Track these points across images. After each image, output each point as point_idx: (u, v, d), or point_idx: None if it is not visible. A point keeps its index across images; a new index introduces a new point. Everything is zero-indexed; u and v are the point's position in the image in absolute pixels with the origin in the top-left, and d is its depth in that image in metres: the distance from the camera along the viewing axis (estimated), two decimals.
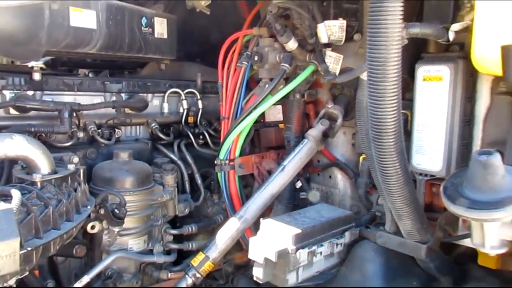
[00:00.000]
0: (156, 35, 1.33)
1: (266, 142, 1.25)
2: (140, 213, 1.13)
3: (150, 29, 1.30)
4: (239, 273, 1.31)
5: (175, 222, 1.31)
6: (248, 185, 1.29)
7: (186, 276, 0.98)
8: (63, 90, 1.19)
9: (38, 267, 1.09)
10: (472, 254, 0.97)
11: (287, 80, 1.12)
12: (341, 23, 1.03)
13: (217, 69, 1.24)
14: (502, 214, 0.65)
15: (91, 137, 1.23)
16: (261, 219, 0.93)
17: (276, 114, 1.24)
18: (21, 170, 0.89)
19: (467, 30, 0.81)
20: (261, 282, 0.88)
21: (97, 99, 1.24)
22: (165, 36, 1.37)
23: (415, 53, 0.95)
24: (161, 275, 1.16)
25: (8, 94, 1.09)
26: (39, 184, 0.83)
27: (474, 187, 0.68)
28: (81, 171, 1.00)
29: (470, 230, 0.76)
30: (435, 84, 0.89)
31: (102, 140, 1.22)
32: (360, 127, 0.95)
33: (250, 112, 1.08)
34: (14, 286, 0.87)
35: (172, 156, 1.32)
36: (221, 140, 1.16)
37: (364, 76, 0.92)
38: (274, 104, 1.22)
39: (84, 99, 1.22)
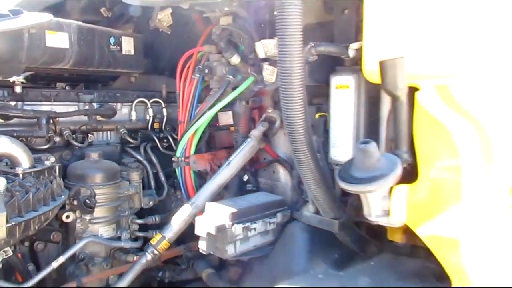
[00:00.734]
0: (123, 52, 1.53)
1: (219, 143, 1.46)
2: (108, 204, 1.32)
3: (118, 47, 1.50)
4: (198, 258, 1.50)
5: (142, 214, 1.50)
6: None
7: (146, 253, 1.16)
8: (41, 100, 1.38)
9: (21, 253, 1.27)
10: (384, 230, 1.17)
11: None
12: (276, 41, 1.25)
13: (176, 80, 1.45)
14: (374, 187, 0.85)
15: (66, 141, 1.42)
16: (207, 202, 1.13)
17: (227, 119, 1.45)
18: (5, 166, 1.08)
19: None
20: (205, 253, 1.07)
21: (72, 108, 1.44)
22: (132, 53, 1.57)
23: (333, 66, 1.17)
24: (128, 258, 1.34)
25: None
26: (21, 175, 1.01)
27: (357, 168, 0.89)
28: (57, 167, 1.19)
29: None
30: (344, 91, 1.10)
31: (76, 144, 1.41)
32: None
33: (201, 116, 1.28)
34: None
35: (138, 157, 1.52)
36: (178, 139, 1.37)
37: None
38: (225, 110, 1.43)
39: (60, 108, 1.41)
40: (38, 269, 1.28)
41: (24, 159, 1.05)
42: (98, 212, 1.29)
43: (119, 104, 1.55)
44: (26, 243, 1.27)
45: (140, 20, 1.68)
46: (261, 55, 1.24)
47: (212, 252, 1.07)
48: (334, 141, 1.13)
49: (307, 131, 0.95)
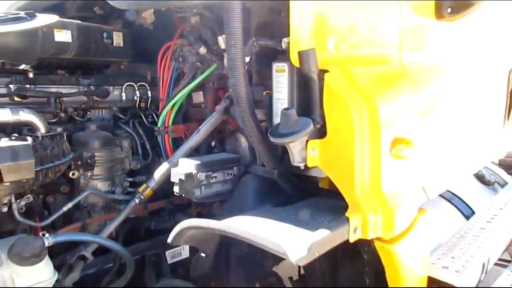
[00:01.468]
0: (114, 44, 1.87)
1: (193, 117, 1.81)
2: (105, 165, 1.68)
3: (110, 40, 1.84)
4: (177, 210, 1.87)
5: (133, 175, 1.86)
6: None
7: (135, 198, 1.53)
8: (49, 84, 1.72)
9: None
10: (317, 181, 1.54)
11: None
12: None
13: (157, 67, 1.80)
14: (291, 139, 1.21)
15: (70, 116, 1.76)
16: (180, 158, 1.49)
17: (199, 98, 1.80)
18: (28, 131, 1.43)
19: None
20: (177, 195, 1.44)
21: (74, 90, 1.78)
22: (122, 45, 1.91)
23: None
24: (120, 207, 1.71)
25: (12, 87, 1.62)
26: (40, 137, 1.37)
27: (281, 127, 1.25)
28: (64, 134, 1.54)
29: None
30: (281, 74, 1.45)
31: (78, 118, 1.76)
32: None
33: (177, 94, 1.65)
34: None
35: (128, 129, 1.87)
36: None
37: None
38: (197, 91, 1.79)
39: (64, 90, 1.75)
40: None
41: (41, 126, 1.40)
42: (97, 170, 1.66)
43: (111, 87, 1.90)
44: (41, 196, 1.63)
45: (128, 17, 2.02)
46: (222, 46, 1.60)
47: (183, 195, 1.44)
48: (276, 112, 1.49)
49: (249, 102, 1.31)
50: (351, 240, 1.22)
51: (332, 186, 1.50)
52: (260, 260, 1.78)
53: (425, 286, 1.68)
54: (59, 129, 1.52)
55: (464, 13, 1.58)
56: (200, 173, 1.41)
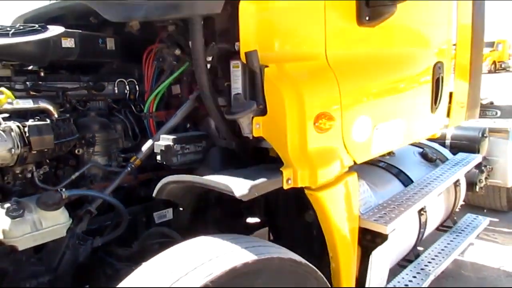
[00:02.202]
0: (108, 48, 2.31)
1: (172, 105, 2.27)
2: (102, 144, 2.13)
3: (104, 45, 2.28)
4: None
5: (125, 152, 2.30)
6: None
7: (127, 166, 1.99)
8: (57, 81, 2.16)
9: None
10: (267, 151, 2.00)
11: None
12: None
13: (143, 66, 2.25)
14: (238, 115, 1.68)
15: (74, 107, 2.20)
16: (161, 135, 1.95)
17: (177, 90, 2.24)
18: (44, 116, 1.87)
19: None
20: (159, 162, 1.90)
21: (76, 85, 2.22)
22: (114, 49, 2.34)
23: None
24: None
25: (28, 83, 2.06)
26: (55, 120, 1.82)
27: (233, 107, 1.72)
28: (71, 119, 1.99)
29: None
30: (236, 69, 1.89)
31: (80, 108, 2.20)
32: None
33: (158, 87, 2.10)
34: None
35: (120, 116, 2.32)
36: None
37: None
38: (175, 84, 2.25)
39: (69, 85, 2.19)
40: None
41: (55, 112, 1.85)
42: (96, 148, 2.10)
43: (106, 83, 2.33)
44: (53, 169, 2.07)
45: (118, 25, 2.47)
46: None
47: (164, 162, 1.89)
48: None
49: (210, 90, 1.77)
50: (285, 187, 1.68)
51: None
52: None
53: (356, 235, 2.16)
54: (68, 115, 1.96)
55: (379, 20, 2.06)
56: (176, 145, 1.86)
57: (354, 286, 2.17)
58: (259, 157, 1.96)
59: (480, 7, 3.15)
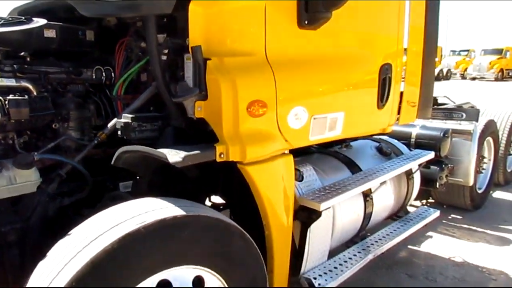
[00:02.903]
0: (87, 39, 2.67)
1: (140, 90, 2.62)
2: (76, 120, 2.49)
3: (84, 36, 2.63)
4: None
5: (98, 129, 2.66)
6: None
7: (94, 139, 2.35)
8: (41, 65, 2.52)
9: None
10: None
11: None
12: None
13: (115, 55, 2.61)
14: (183, 98, 2.03)
15: (54, 88, 2.55)
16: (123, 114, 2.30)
17: (144, 77, 2.61)
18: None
19: None
20: (120, 137, 2.25)
21: (57, 70, 2.57)
22: (93, 39, 2.71)
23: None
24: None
25: (16, 67, 2.39)
26: (33, 97, 2.17)
27: (179, 92, 2.06)
28: (49, 97, 2.34)
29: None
30: (188, 61, 2.20)
31: (60, 89, 2.56)
32: None
33: (126, 73, 2.46)
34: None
35: (95, 98, 2.68)
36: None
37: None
38: (142, 72, 2.60)
39: (51, 70, 2.54)
40: None
41: (34, 91, 2.21)
42: (71, 124, 2.45)
43: (85, 69, 2.70)
44: (33, 140, 2.43)
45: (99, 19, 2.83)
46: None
47: (124, 137, 2.25)
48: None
49: (163, 78, 2.12)
50: (217, 160, 2.03)
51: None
52: None
53: (291, 209, 2.49)
54: (45, 94, 2.32)
55: (318, 25, 2.39)
56: (134, 122, 2.21)
57: (288, 252, 2.51)
58: (207, 137, 2.31)
59: (433, 8, 3.42)
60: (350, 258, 3.05)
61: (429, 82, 3.59)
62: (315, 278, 2.72)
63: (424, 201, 5.28)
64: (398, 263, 4.01)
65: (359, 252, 3.14)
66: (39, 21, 2.32)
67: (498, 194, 6.09)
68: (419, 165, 3.85)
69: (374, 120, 3.13)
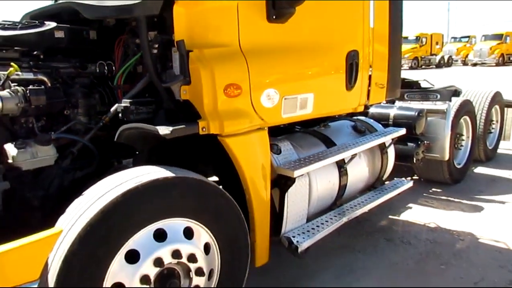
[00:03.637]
0: (91, 38, 3.11)
1: (138, 81, 3.07)
2: (84, 107, 2.95)
3: (88, 35, 3.08)
4: None
5: (102, 115, 3.12)
6: None
7: (100, 122, 2.80)
8: (52, 61, 2.98)
9: None
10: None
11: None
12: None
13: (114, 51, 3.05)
14: (169, 84, 2.48)
15: (64, 80, 3.01)
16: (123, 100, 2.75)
17: (140, 69, 3.05)
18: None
19: None
20: (121, 118, 2.70)
21: (66, 65, 3.03)
22: (95, 38, 3.15)
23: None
24: None
25: (31, 63, 2.87)
26: (47, 87, 2.63)
27: (167, 79, 2.51)
28: (60, 88, 2.80)
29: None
30: (176, 54, 2.67)
31: (69, 82, 3.01)
32: None
33: (124, 65, 2.90)
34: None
35: (99, 89, 3.13)
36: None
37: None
38: (138, 65, 3.04)
39: (61, 65, 2.99)
40: None
41: (48, 82, 2.67)
42: (80, 110, 2.92)
43: (90, 64, 3.15)
44: (49, 124, 2.89)
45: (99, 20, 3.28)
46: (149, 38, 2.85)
47: (124, 118, 2.69)
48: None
49: (155, 68, 2.56)
50: (200, 133, 2.48)
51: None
52: None
53: (268, 176, 2.93)
54: (58, 85, 2.78)
55: (285, 19, 2.82)
56: (131, 106, 2.67)
57: (267, 214, 2.95)
58: (193, 117, 2.76)
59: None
60: (326, 221, 3.49)
61: (396, 66, 4.01)
62: (293, 237, 3.16)
63: (409, 178, 5.70)
64: (378, 230, 4.45)
65: (335, 216, 3.57)
66: (50, 24, 2.77)
67: (479, 169, 6.50)
68: (392, 140, 4.26)
69: (344, 100, 3.56)
